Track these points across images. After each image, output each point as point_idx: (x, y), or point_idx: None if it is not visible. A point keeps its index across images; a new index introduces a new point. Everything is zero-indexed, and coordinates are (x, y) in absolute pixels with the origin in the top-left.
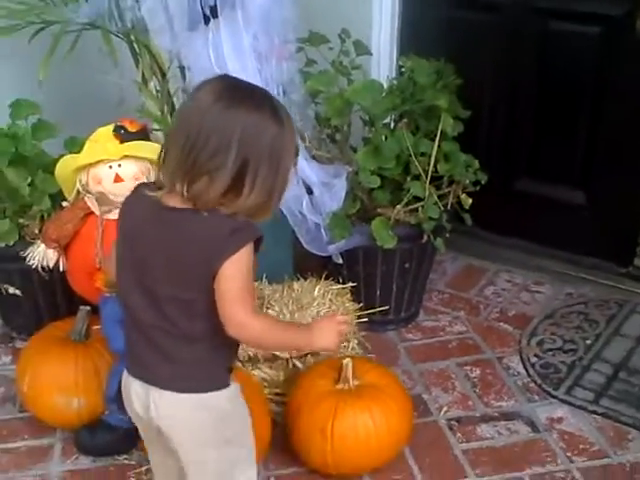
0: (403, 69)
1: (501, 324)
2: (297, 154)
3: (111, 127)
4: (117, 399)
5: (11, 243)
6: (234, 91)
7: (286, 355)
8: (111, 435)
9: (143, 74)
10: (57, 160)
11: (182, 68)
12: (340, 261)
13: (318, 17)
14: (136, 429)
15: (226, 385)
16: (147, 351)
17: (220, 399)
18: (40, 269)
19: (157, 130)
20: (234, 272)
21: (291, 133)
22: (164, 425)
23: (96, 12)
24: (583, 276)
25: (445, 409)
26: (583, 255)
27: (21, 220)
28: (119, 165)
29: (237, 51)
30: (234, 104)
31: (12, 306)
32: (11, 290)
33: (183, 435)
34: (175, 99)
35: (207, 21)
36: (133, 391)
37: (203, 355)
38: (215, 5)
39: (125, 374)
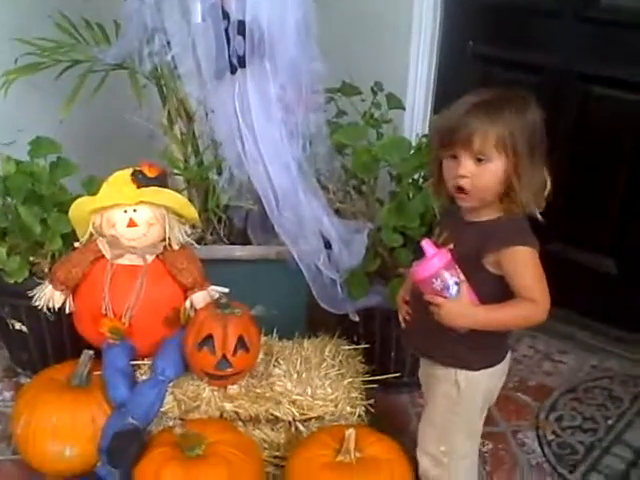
0: None
1: (519, 394)
2: None
3: (129, 171)
4: (108, 452)
5: (20, 280)
6: None
7: (289, 418)
8: None
9: (169, 116)
10: (72, 200)
11: (207, 113)
12: (357, 319)
13: (353, 69)
14: None
15: None
16: None
17: None
18: (46, 310)
19: (177, 175)
20: None
21: None
22: None
23: (125, 54)
24: (610, 349)
25: None
26: (611, 326)
27: (32, 258)
28: (134, 210)
29: (263, 101)
30: None
31: (18, 342)
32: (18, 326)
33: None
34: (200, 142)
35: (234, 70)
36: None
37: None
38: (244, 55)
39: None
